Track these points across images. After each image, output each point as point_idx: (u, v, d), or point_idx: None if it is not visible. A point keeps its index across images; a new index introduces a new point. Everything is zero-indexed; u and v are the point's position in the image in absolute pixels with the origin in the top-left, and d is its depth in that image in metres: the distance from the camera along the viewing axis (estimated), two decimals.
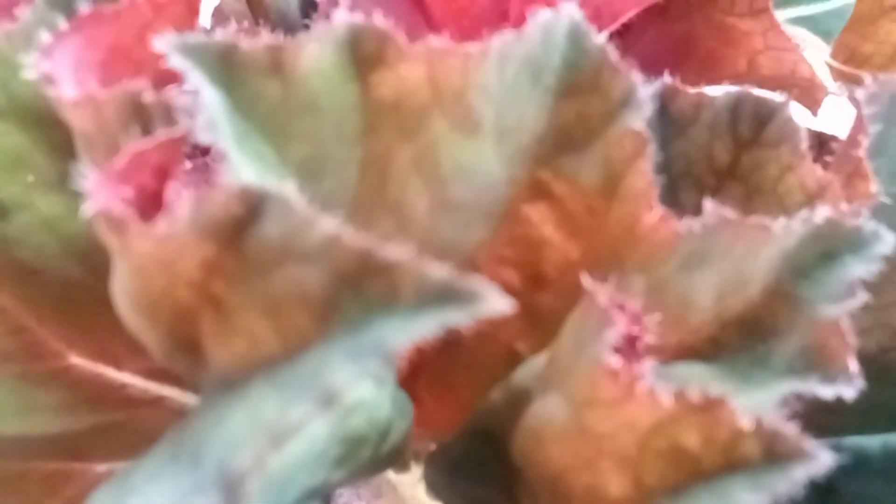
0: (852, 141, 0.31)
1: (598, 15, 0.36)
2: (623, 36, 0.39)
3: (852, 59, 0.46)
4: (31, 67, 0.20)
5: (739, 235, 0.23)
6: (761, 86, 0.41)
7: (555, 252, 0.25)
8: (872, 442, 0.34)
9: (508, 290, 0.26)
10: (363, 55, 0.21)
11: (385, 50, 0.21)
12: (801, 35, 0.49)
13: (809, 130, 0.41)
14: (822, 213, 0.24)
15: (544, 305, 0.25)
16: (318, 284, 0.16)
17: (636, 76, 0.23)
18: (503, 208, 0.24)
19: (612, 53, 0.23)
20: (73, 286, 0.29)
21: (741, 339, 0.25)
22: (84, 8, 0.22)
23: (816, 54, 0.48)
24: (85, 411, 0.30)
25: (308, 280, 0.16)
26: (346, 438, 0.21)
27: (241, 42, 0.20)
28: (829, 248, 0.24)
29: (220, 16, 0.43)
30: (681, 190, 0.32)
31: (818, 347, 0.23)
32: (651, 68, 0.41)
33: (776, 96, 0.30)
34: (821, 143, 0.44)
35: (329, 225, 0.16)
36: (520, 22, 0.36)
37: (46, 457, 0.31)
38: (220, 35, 0.20)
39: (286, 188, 0.16)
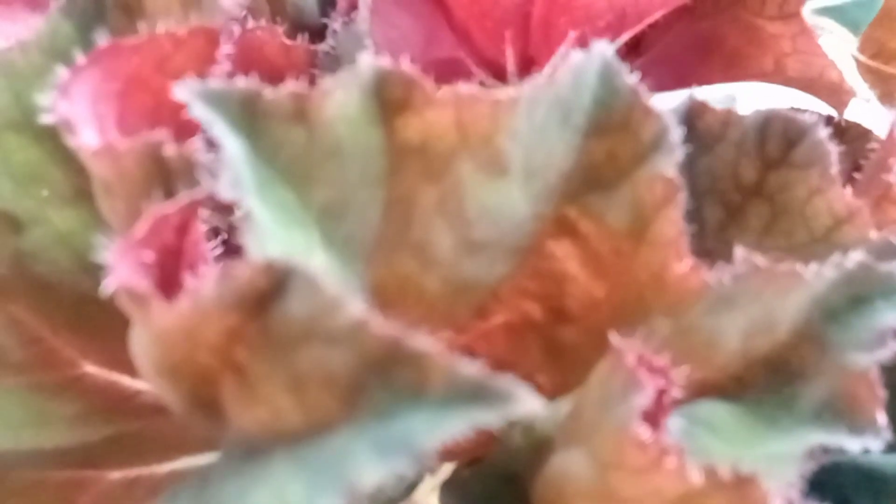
0: (882, 164, 0.30)
1: (623, 16, 0.35)
2: (648, 33, 0.38)
3: (880, 55, 0.45)
4: (48, 110, 0.20)
5: (770, 281, 0.23)
6: (788, 85, 0.41)
7: (579, 288, 0.24)
8: (889, 461, 0.34)
9: (531, 322, 0.26)
10: (389, 100, 0.20)
11: (411, 95, 0.20)
12: (828, 26, 0.48)
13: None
14: (854, 257, 0.23)
15: (567, 340, 0.25)
16: (344, 367, 0.16)
17: (669, 119, 0.22)
18: (528, 243, 0.24)
19: (645, 94, 0.22)
20: (86, 298, 0.29)
21: (767, 379, 0.24)
22: (102, 40, 0.22)
23: (843, 46, 0.47)
24: (99, 421, 0.30)
25: (334, 362, 0.16)
26: None
27: (265, 90, 0.19)
28: (860, 292, 0.23)
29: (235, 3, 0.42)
30: (705, 206, 0.32)
31: (846, 397, 0.23)
32: (675, 65, 0.41)
33: (807, 117, 0.29)
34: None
35: (356, 309, 0.15)
36: (542, 25, 0.35)
37: (60, 466, 0.30)
38: (243, 82, 0.19)
39: (312, 265, 0.16)
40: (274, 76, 0.37)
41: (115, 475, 0.32)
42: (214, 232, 0.21)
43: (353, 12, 0.37)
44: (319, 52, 0.36)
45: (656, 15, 0.36)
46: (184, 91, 0.19)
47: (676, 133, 0.22)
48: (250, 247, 0.18)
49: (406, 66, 0.20)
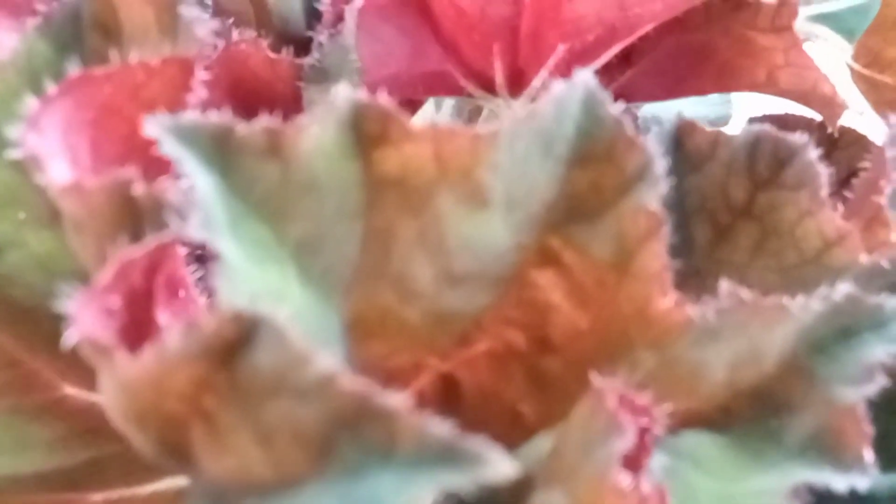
0: (873, 186, 0.30)
1: (612, 30, 0.35)
2: (639, 44, 0.37)
3: (875, 64, 0.45)
4: (17, 145, 0.19)
5: (755, 315, 0.22)
6: (780, 96, 0.40)
7: (562, 318, 0.24)
8: (882, 482, 0.33)
9: (514, 350, 0.26)
10: (366, 134, 0.20)
11: (389, 129, 0.20)
12: (822, 34, 0.48)
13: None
14: (842, 289, 0.23)
15: (551, 370, 0.25)
16: (313, 422, 0.15)
17: (653, 150, 0.21)
18: (510, 273, 0.23)
19: (629, 125, 0.21)
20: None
21: (754, 410, 0.24)
22: (74, 69, 0.21)
23: (837, 55, 0.46)
24: (80, 444, 0.30)
25: (302, 416, 0.15)
26: None
27: (237, 125, 0.19)
28: (848, 324, 0.23)
29: (221, 13, 0.41)
30: (694, 224, 0.31)
31: (833, 432, 0.22)
32: (667, 75, 0.40)
33: (797, 138, 0.29)
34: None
35: (325, 364, 0.15)
36: (531, 38, 0.35)
37: (42, 490, 0.30)
38: (215, 117, 0.19)
39: (280, 315, 0.15)
40: (259, 89, 0.37)
41: (97, 497, 0.31)
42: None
43: (339, 24, 0.36)
44: (305, 65, 0.35)
45: (646, 28, 0.35)
46: (154, 127, 0.18)
47: (661, 165, 0.22)
48: (221, 289, 0.18)
49: (383, 99, 0.20)
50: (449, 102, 0.43)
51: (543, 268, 0.23)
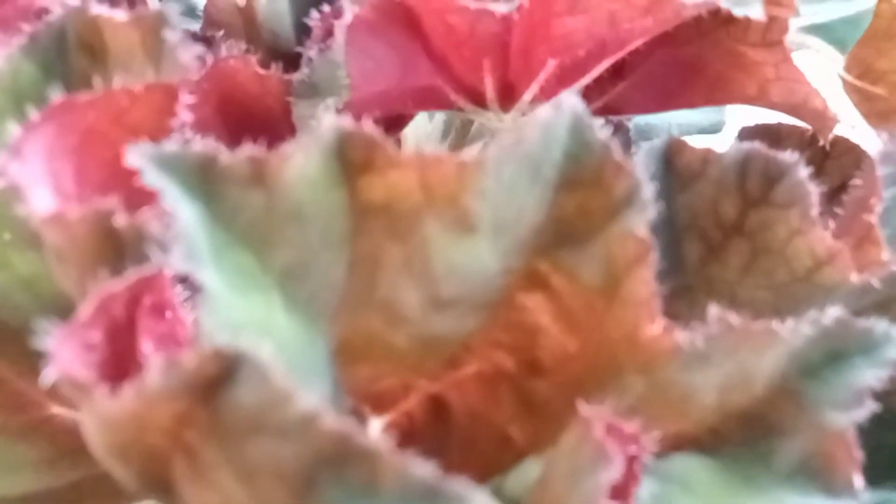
0: (864, 204, 0.30)
1: (603, 45, 0.35)
2: (630, 57, 0.37)
3: (867, 75, 0.45)
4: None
5: (745, 339, 0.22)
6: (772, 109, 0.40)
7: (551, 341, 0.24)
8: (867, 499, 0.33)
9: (503, 373, 0.26)
10: (351, 162, 0.20)
11: (374, 156, 0.20)
12: (814, 44, 0.48)
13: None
14: (832, 313, 0.23)
15: (540, 393, 0.25)
16: (295, 461, 0.15)
17: (641, 175, 0.21)
18: (498, 297, 0.23)
19: (616, 149, 0.21)
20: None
21: (744, 433, 0.24)
22: (56, 95, 0.21)
23: (830, 66, 0.46)
24: (67, 465, 0.30)
25: (284, 455, 0.15)
26: None
27: (221, 154, 0.19)
28: (838, 348, 0.23)
29: (212, 25, 0.41)
30: (685, 241, 0.31)
31: (823, 457, 0.22)
32: (658, 88, 0.40)
33: (787, 156, 0.29)
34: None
35: (307, 402, 0.15)
36: (521, 53, 0.35)
37: None
38: (199, 146, 0.19)
39: (261, 352, 0.15)
40: (249, 104, 0.37)
41: None
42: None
43: (329, 40, 0.36)
44: (294, 81, 0.35)
45: (637, 43, 0.35)
46: (136, 156, 0.18)
47: (649, 189, 0.21)
48: (204, 321, 0.17)
49: (368, 127, 0.19)
50: (440, 116, 0.43)
51: (531, 291, 0.23)
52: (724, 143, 0.53)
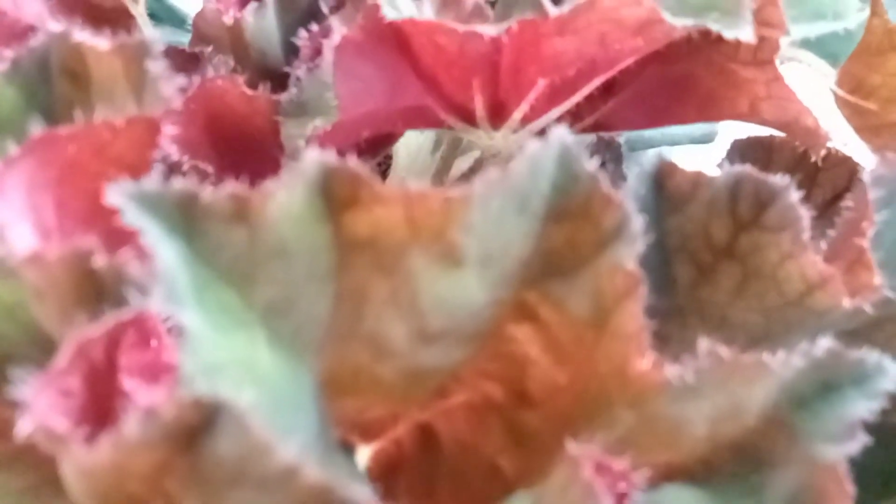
0: (855, 227, 0.29)
1: (593, 64, 0.35)
2: (621, 74, 0.37)
3: (859, 90, 0.45)
4: None
5: (735, 372, 0.22)
6: (764, 126, 0.40)
7: (540, 372, 0.24)
8: None
9: (492, 403, 0.25)
10: (336, 197, 0.19)
11: (359, 192, 0.19)
12: (806, 59, 0.48)
13: None
14: (823, 344, 0.23)
15: (530, 425, 0.24)
16: None
17: (629, 208, 0.21)
18: (487, 328, 0.23)
19: (605, 181, 0.21)
20: (37, 368, 0.28)
21: (735, 464, 0.24)
22: (36, 129, 0.21)
23: (822, 80, 0.46)
24: (51, 493, 0.29)
25: None
26: None
27: (202, 191, 0.18)
28: (829, 379, 0.23)
29: (201, 40, 0.41)
30: (676, 263, 0.31)
31: (814, 490, 0.22)
32: (650, 104, 0.40)
33: (779, 179, 0.28)
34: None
35: (287, 454, 0.14)
36: (511, 72, 0.35)
37: None
38: (179, 184, 0.18)
39: (242, 401, 0.15)
40: (237, 123, 0.36)
41: None
42: None
43: (317, 58, 0.36)
44: (282, 101, 0.35)
45: (627, 61, 0.35)
46: (116, 195, 0.18)
47: (638, 222, 0.21)
48: (184, 363, 0.17)
49: (352, 162, 0.19)
50: (429, 133, 0.43)
51: (520, 322, 0.23)
52: (716, 154, 0.53)
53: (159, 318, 0.21)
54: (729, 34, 0.29)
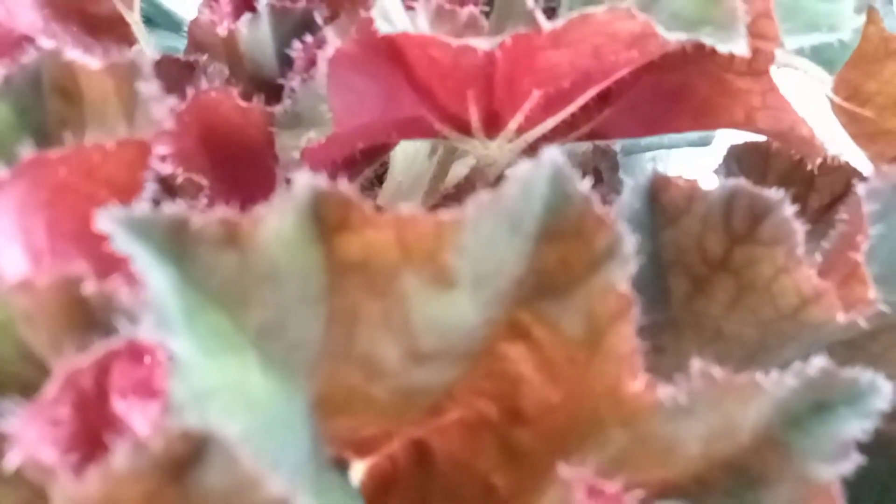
0: (850, 241, 0.29)
1: (587, 76, 0.34)
2: (616, 83, 0.37)
3: (855, 97, 0.44)
4: None
5: (728, 392, 0.22)
6: (760, 134, 0.40)
7: (533, 391, 0.23)
8: None
9: (486, 420, 0.25)
10: (327, 220, 0.19)
11: (350, 216, 0.19)
12: (802, 65, 0.48)
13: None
14: (816, 363, 0.23)
15: (523, 442, 0.24)
16: None
17: (622, 228, 0.21)
18: (479, 348, 0.23)
19: (597, 202, 0.21)
20: (30, 385, 0.28)
21: (729, 482, 0.24)
22: (27, 152, 0.21)
23: (819, 87, 0.46)
24: None
25: None
26: None
27: (193, 216, 0.18)
28: (823, 398, 0.23)
29: (197, 48, 0.41)
30: (671, 276, 0.31)
31: None
32: (645, 113, 0.40)
33: (773, 193, 0.28)
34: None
35: (277, 488, 0.14)
36: (506, 83, 0.34)
37: None
38: (169, 209, 0.18)
39: (231, 432, 0.15)
40: (232, 134, 0.36)
41: None
42: None
43: (311, 69, 0.36)
44: (277, 112, 0.35)
45: (622, 72, 0.35)
46: (106, 221, 0.18)
47: (630, 243, 0.21)
48: (175, 391, 0.17)
49: (343, 186, 0.19)
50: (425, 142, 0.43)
51: (513, 341, 0.23)
52: (713, 158, 0.53)
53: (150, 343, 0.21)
54: (723, 48, 0.29)
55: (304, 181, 0.19)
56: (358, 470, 0.27)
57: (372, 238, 0.20)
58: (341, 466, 0.26)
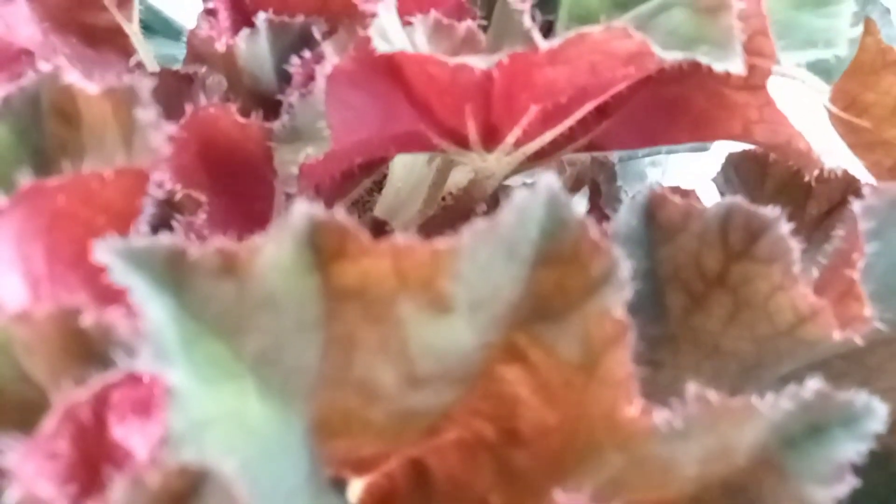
0: (846, 258, 0.29)
1: (584, 91, 0.35)
2: (614, 96, 0.37)
3: (852, 107, 0.45)
4: None
5: (723, 416, 0.22)
6: (757, 146, 0.40)
7: (530, 413, 0.24)
8: None
9: (483, 441, 0.25)
10: (324, 249, 0.19)
11: (346, 245, 0.19)
12: (800, 75, 0.48)
13: None
14: (812, 385, 0.23)
15: (520, 463, 0.24)
16: None
17: (618, 254, 0.21)
18: (477, 370, 0.23)
19: (593, 228, 0.21)
20: (29, 405, 0.28)
21: (725, 502, 0.24)
22: (25, 180, 0.21)
23: (817, 97, 0.46)
24: None
25: None
26: None
27: (190, 247, 0.18)
28: (818, 421, 0.23)
29: (196, 59, 0.41)
30: (668, 292, 0.31)
31: None
32: (643, 125, 0.40)
33: (769, 211, 0.29)
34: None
35: None
36: (504, 98, 0.35)
37: None
38: (167, 239, 0.18)
39: (226, 468, 0.15)
40: (231, 148, 0.36)
41: None
42: None
43: (310, 84, 0.36)
44: (275, 127, 0.35)
45: (619, 87, 0.35)
46: (104, 252, 0.18)
47: (626, 269, 0.21)
48: (173, 421, 0.17)
49: (340, 215, 0.19)
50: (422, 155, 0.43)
51: (510, 364, 0.23)
52: (712, 162, 0.53)
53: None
54: (719, 67, 0.29)
55: (301, 210, 0.19)
56: (356, 488, 0.27)
57: (368, 266, 0.20)
58: (340, 485, 0.27)
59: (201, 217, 0.34)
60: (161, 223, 0.32)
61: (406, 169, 0.47)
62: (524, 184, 0.48)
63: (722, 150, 0.47)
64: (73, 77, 0.25)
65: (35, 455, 0.16)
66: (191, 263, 0.19)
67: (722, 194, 0.50)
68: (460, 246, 0.20)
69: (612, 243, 0.21)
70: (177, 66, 0.42)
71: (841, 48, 0.34)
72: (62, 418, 0.16)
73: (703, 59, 0.29)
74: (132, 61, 0.47)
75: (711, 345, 0.31)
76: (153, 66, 0.47)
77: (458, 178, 0.45)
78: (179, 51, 0.47)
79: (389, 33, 0.31)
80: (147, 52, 0.48)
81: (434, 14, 0.34)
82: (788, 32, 0.33)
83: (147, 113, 0.22)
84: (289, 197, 0.36)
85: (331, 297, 0.20)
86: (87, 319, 0.18)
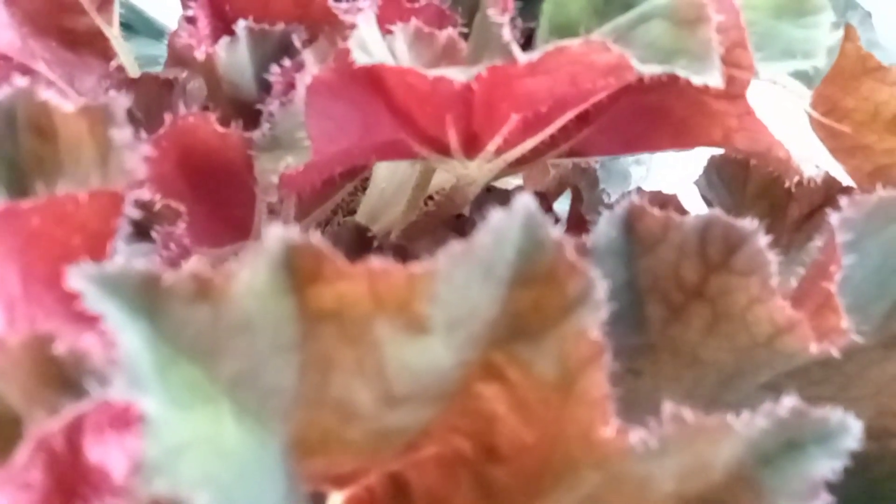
0: (823, 271, 0.29)
1: (564, 101, 0.35)
2: (594, 106, 0.37)
3: (833, 113, 0.45)
4: None
5: (699, 434, 0.22)
6: (738, 154, 0.40)
7: (508, 430, 0.24)
8: None
9: (462, 457, 0.26)
10: (299, 272, 0.19)
11: (322, 268, 0.19)
12: (781, 80, 0.48)
13: None
14: (787, 402, 0.23)
15: (498, 479, 0.24)
16: None
17: (594, 274, 0.21)
18: (454, 388, 0.23)
19: (570, 249, 0.21)
20: (5, 433, 0.28)
21: None
22: None
23: (798, 102, 0.46)
24: None
25: None
26: None
27: (164, 273, 0.18)
28: (793, 438, 0.23)
29: (177, 63, 0.41)
30: (648, 303, 0.31)
31: None
32: (624, 132, 0.40)
33: (747, 223, 0.29)
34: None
35: None
36: (485, 107, 0.35)
37: None
38: (141, 264, 0.18)
39: (201, 499, 0.15)
40: (211, 156, 0.36)
41: None
42: None
43: (290, 93, 0.36)
44: (255, 136, 0.35)
45: (599, 96, 0.35)
46: (77, 279, 0.18)
47: (602, 289, 0.21)
48: (147, 449, 0.17)
49: (315, 238, 0.19)
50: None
51: (488, 381, 0.23)
52: (696, 161, 0.53)
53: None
54: (697, 80, 0.30)
55: (276, 234, 0.19)
56: (336, 501, 0.27)
57: (344, 289, 0.20)
58: (319, 499, 0.27)
59: (181, 227, 0.34)
60: (141, 233, 0.32)
61: (389, 170, 0.47)
62: (517, 187, 0.48)
63: (705, 149, 0.48)
64: (48, 94, 0.24)
65: (8, 486, 0.16)
66: (165, 289, 0.19)
67: (704, 197, 0.50)
68: (436, 269, 0.20)
69: (590, 260, 0.21)
70: (158, 69, 0.42)
71: (819, 59, 0.34)
72: (35, 448, 0.16)
73: (682, 72, 0.29)
74: (112, 65, 0.47)
75: (690, 355, 0.32)
76: (134, 70, 0.47)
77: (443, 178, 0.45)
78: (161, 51, 0.46)
79: (369, 45, 0.31)
80: (128, 55, 0.48)
81: (415, 22, 0.34)
82: (767, 43, 0.34)
83: (122, 133, 0.22)
84: (270, 206, 0.36)
85: (307, 319, 0.20)
86: (61, 346, 0.18)
